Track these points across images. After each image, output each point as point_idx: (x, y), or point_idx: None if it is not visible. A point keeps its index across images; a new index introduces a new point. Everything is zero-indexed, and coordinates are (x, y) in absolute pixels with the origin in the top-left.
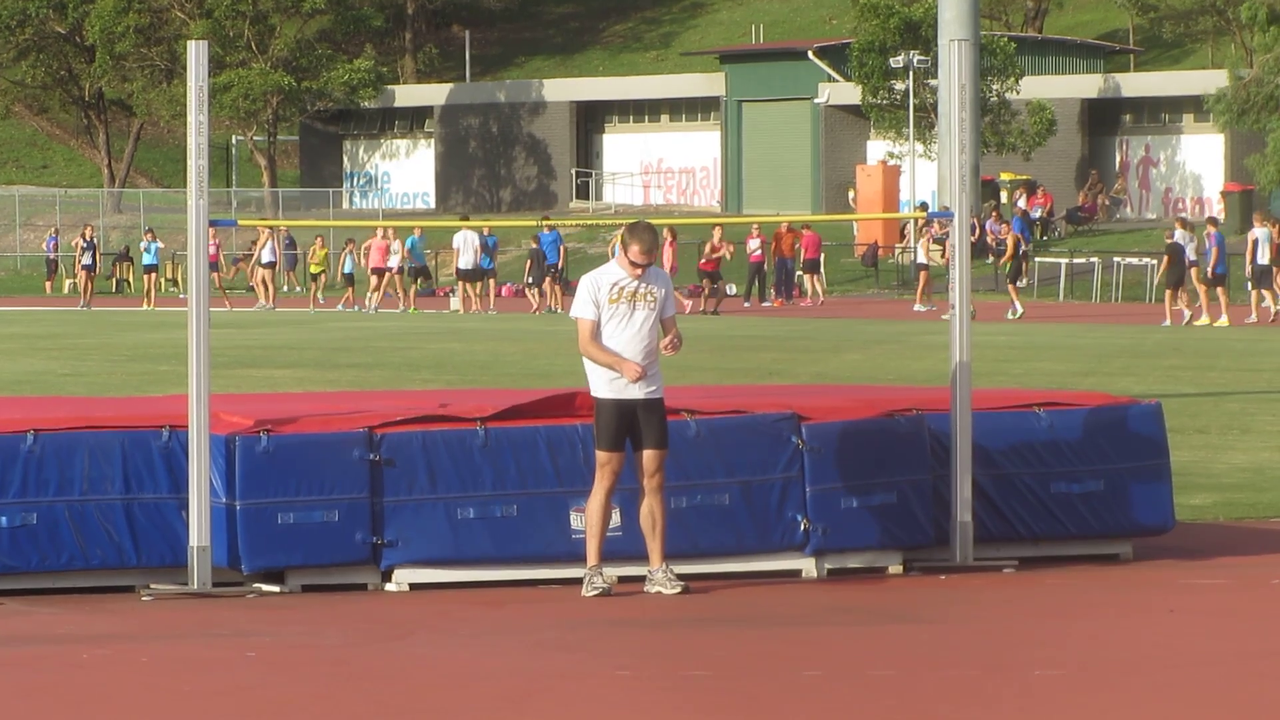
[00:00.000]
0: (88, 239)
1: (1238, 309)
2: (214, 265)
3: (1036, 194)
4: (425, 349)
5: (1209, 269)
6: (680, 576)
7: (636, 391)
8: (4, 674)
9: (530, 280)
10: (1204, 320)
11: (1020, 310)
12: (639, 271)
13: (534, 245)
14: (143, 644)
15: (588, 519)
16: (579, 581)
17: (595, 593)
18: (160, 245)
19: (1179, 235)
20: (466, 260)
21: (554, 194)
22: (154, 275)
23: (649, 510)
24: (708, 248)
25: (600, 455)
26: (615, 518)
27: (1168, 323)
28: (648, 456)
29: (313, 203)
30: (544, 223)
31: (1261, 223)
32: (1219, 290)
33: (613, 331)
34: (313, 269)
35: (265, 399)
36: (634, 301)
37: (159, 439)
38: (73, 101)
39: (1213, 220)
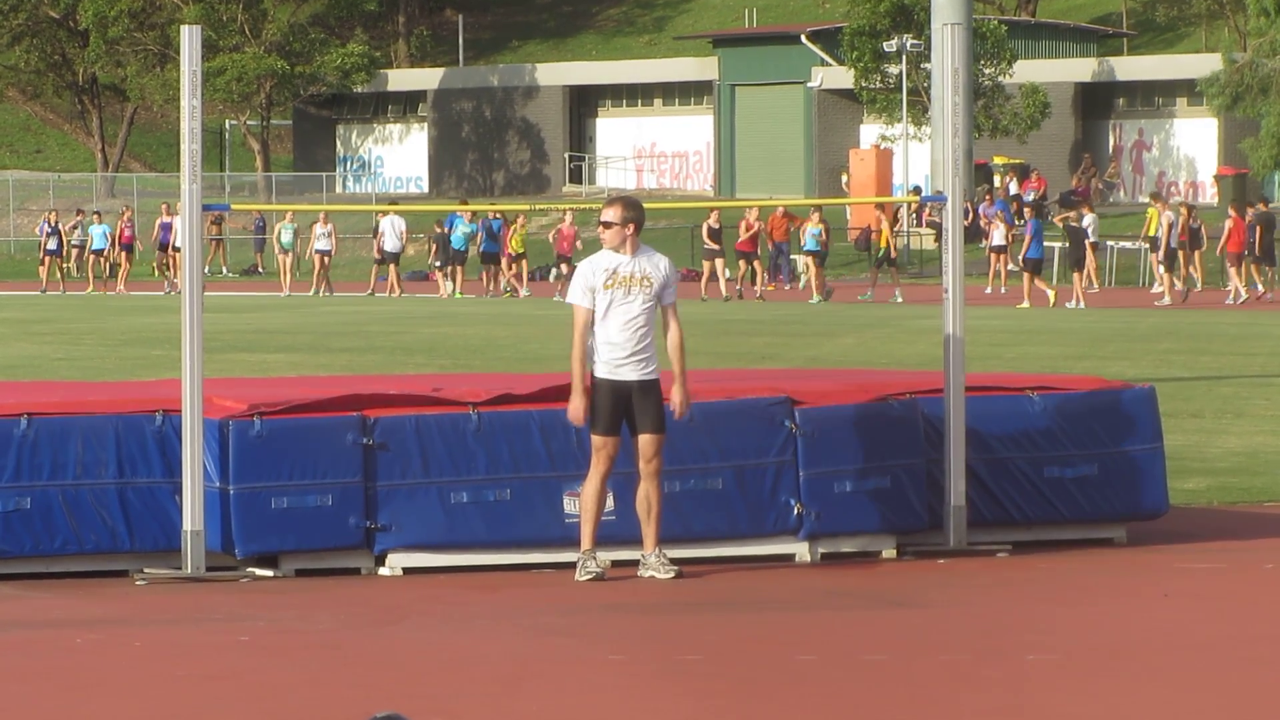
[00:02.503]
0: (53, 224)
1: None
2: (129, 247)
3: (1030, 178)
4: (418, 333)
5: (1021, 255)
6: (674, 561)
7: (632, 373)
8: None
9: (437, 264)
10: (1025, 304)
11: (899, 298)
12: (612, 235)
13: (438, 229)
14: (136, 628)
15: (582, 504)
16: (573, 566)
17: (588, 577)
18: (110, 228)
19: (1087, 220)
20: (391, 244)
21: (547, 178)
22: (101, 258)
23: (644, 495)
24: (742, 226)
25: (595, 440)
26: (609, 502)
27: (1079, 303)
28: (644, 441)
29: (306, 187)
30: (464, 208)
31: (1167, 207)
32: (1034, 275)
33: (608, 317)
34: (514, 249)
35: (259, 383)
36: (629, 286)
37: (152, 423)
38: (66, 86)
39: (1032, 206)
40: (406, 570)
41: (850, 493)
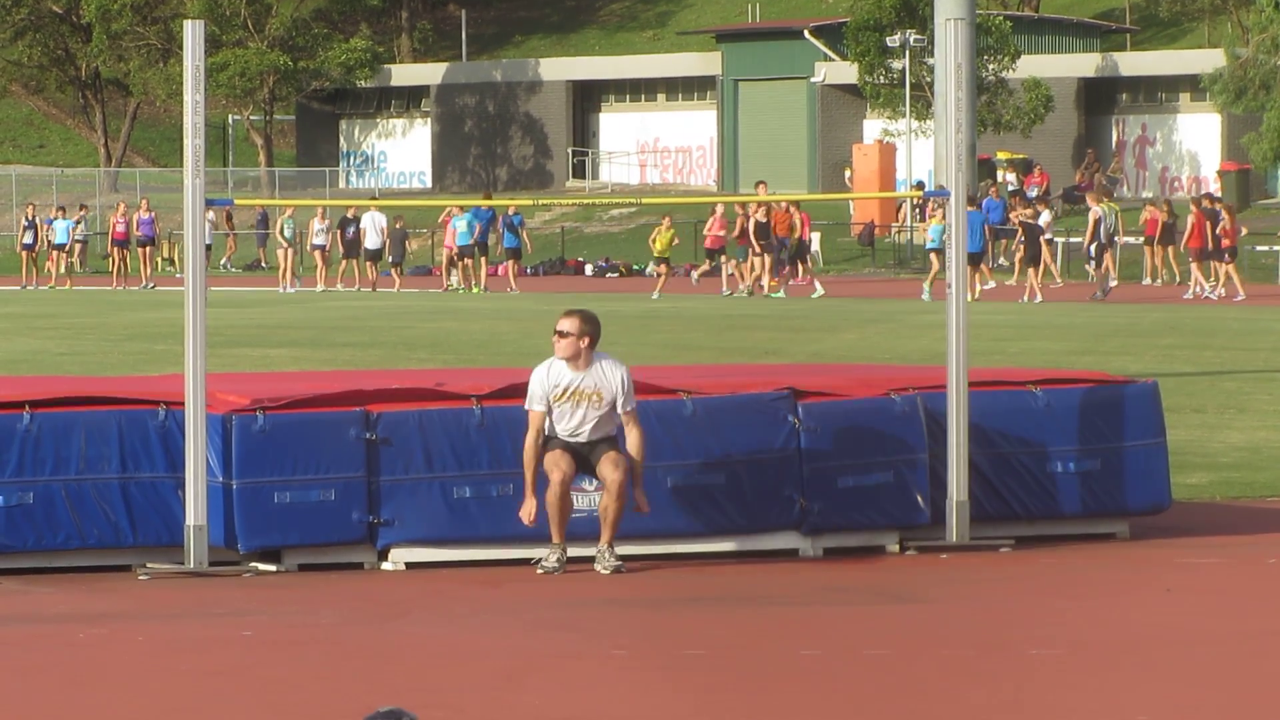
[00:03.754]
0: (30, 218)
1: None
2: (124, 243)
3: (1033, 173)
4: (421, 328)
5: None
6: (679, 555)
7: (585, 436)
8: (0, 653)
9: (392, 259)
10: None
11: (785, 288)
12: (566, 346)
13: (396, 225)
14: (139, 623)
15: (548, 510)
16: (576, 560)
17: (541, 571)
18: (73, 223)
19: (1044, 217)
20: (373, 241)
21: (550, 173)
22: (61, 254)
23: (604, 506)
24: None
25: (547, 459)
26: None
27: (1035, 298)
28: (604, 466)
29: (309, 182)
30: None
31: (1097, 201)
32: (981, 267)
33: (557, 420)
34: (658, 252)
35: (261, 378)
36: (578, 401)
37: (155, 418)
38: (69, 81)
39: (971, 199)
40: (409, 565)
41: (853, 487)
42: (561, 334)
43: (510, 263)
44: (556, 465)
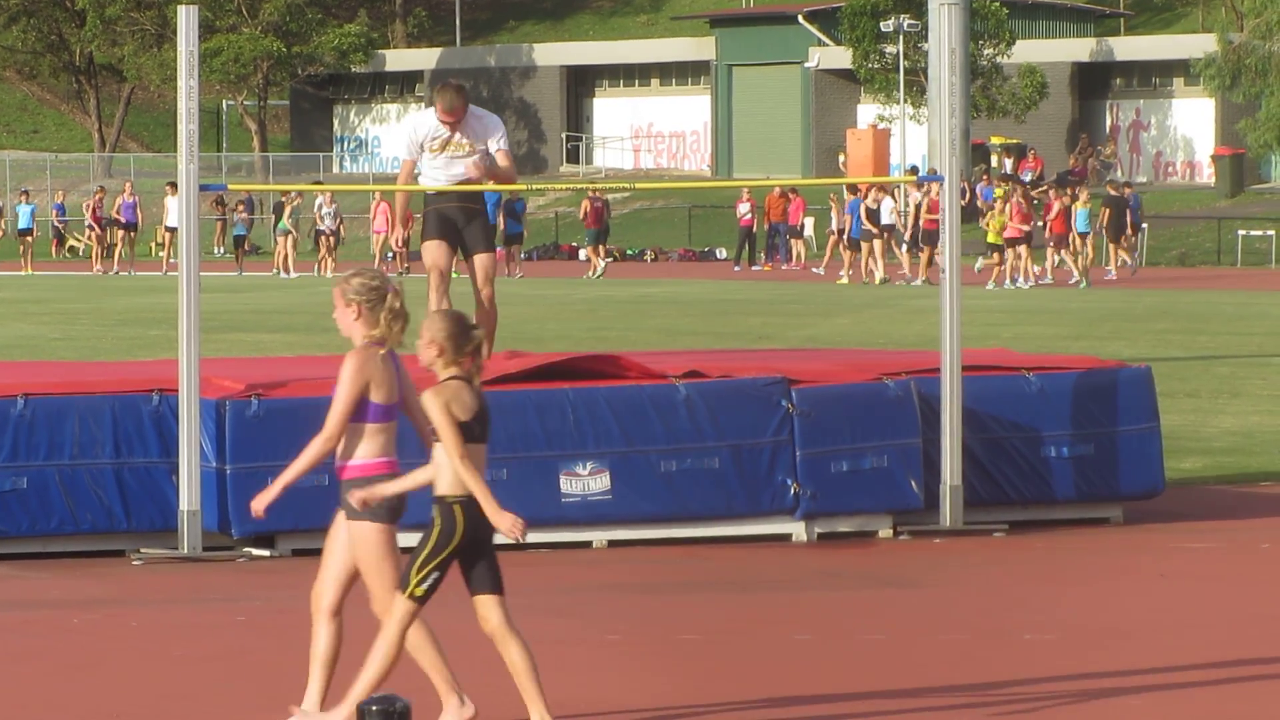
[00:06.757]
0: None
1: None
2: (126, 226)
3: (1027, 158)
4: (415, 314)
5: (845, 233)
6: (673, 540)
7: (452, 200)
8: None
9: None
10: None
11: (600, 271)
12: (450, 120)
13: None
14: (133, 608)
15: (431, 281)
16: (570, 546)
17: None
18: (35, 206)
19: (886, 204)
20: (329, 223)
21: (544, 158)
22: (30, 238)
23: (478, 319)
24: (925, 206)
25: (425, 250)
26: (604, 480)
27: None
28: (478, 262)
29: (303, 167)
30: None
31: (918, 188)
32: (847, 252)
33: (430, 171)
34: (991, 238)
35: (255, 363)
36: (446, 149)
37: (149, 403)
38: (63, 66)
39: (853, 189)
40: (403, 550)
41: (847, 472)
42: (442, 121)
43: (506, 249)
44: (435, 264)
